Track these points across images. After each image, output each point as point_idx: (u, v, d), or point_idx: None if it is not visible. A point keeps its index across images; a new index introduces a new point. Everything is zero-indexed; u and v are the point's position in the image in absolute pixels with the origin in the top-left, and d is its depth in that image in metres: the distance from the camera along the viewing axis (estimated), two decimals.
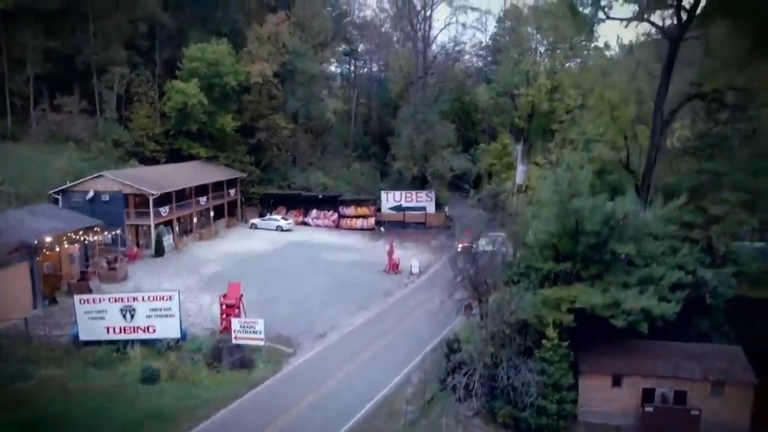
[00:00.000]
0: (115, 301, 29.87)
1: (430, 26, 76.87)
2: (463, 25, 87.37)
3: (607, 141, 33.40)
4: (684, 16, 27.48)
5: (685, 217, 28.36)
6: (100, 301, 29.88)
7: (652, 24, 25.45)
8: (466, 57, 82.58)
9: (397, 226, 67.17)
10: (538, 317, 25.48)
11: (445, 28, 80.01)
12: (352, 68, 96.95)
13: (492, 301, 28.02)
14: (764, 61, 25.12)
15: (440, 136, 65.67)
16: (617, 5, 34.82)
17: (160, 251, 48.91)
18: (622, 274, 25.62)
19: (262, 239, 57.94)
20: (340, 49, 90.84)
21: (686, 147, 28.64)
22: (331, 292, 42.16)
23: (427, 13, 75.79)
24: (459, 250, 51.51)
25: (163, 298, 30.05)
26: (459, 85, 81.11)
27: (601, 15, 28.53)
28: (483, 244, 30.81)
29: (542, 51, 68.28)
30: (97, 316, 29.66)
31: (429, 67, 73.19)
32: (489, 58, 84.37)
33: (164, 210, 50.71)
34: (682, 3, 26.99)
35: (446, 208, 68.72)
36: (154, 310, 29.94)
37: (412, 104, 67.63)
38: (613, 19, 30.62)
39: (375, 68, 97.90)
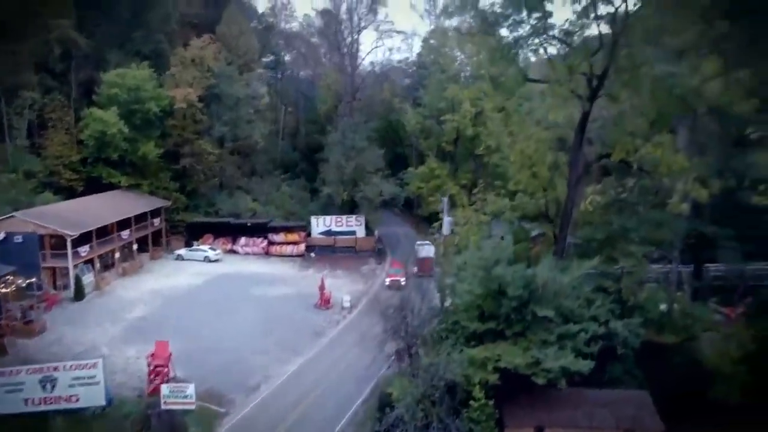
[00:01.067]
0: (34, 372, 28.59)
1: (357, 49, 77.57)
2: (390, 49, 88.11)
3: (527, 191, 35.09)
4: (595, 82, 29.37)
5: (598, 268, 30.47)
6: (17, 373, 28.50)
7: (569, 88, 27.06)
8: (394, 76, 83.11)
9: (328, 251, 67.51)
10: (466, 376, 26.63)
11: (372, 52, 78.13)
12: (280, 78, 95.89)
13: (422, 356, 29.01)
14: (664, 132, 27.44)
15: (369, 161, 66.44)
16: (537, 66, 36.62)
17: (80, 294, 46.85)
18: (543, 332, 27.18)
19: (189, 272, 56.60)
20: (267, 60, 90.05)
21: (597, 204, 30.69)
22: (263, 335, 41.92)
23: (354, 37, 76.47)
24: (387, 283, 52.79)
25: (86, 366, 29.05)
26: (387, 106, 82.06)
27: (520, 80, 30.03)
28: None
29: (467, 76, 70.39)
30: (14, 388, 28.28)
31: (357, 89, 73.77)
32: (416, 78, 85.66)
33: (84, 250, 48.65)
34: (593, 70, 28.83)
35: (376, 232, 69.64)
36: (77, 378, 28.89)
37: (340, 130, 68.04)
38: (532, 80, 32.31)
39: (303, 84, 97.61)
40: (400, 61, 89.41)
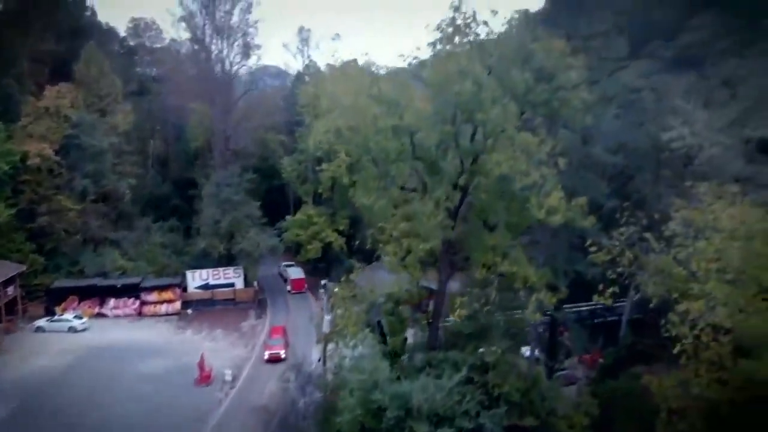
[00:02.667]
0: None
1: (231, 89, 75.98)
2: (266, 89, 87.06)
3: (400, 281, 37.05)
4: (458, 194, 31.78)
5: (468, 361, 33.16)
6: None
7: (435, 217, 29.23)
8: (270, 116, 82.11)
9: (206, 305, 65.97)
10: None
11: (245, 94, 77.02)
12: (147, 105, 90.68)
13: None
14: (519, 248, 30.63)
15: (246, 214, 65.74)
16: None
17: None
18: None
19: (49, 351, 52.19)
20: (132, 88, 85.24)
21: (463, 300, 33.42)
22: None
23: (228, 78, 74.81)
24: (266, 357, 52.32)
25: None
26: (265, 148, 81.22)
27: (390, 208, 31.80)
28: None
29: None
30: None
31: (229, 137, 72.50)
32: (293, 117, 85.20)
33: None
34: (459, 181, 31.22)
35: (255, 283, 69.09)
36: None
37: (214, 182, 66.57)
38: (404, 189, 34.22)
39: (172, 112, 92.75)
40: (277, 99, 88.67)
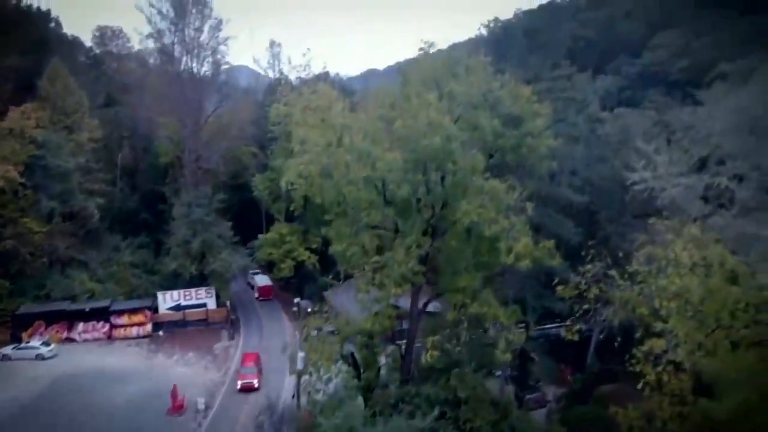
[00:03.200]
0: None
1: (201, 107, 75.21)
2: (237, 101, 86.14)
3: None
4: (428, 240, 32.31)
5: (441, 396, 33.77)
6: None
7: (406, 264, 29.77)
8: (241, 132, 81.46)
9: (178, 326, 65.40)
10: None
11: (215, 112, 76.32)
12: (114, 116, 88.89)
13: None
14: (489, 289, 31.36)
15: (217, 235, 65.33)
16: None
17: None
18: None
19: (16, 380, 51.26)
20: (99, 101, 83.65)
21: (435, 340, 34.02)
22: None
23: (198, 95, 74.00)
24: (239, 387, 51.84)
25: None
26: (235, 163, 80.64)
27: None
28: None
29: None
30: None
31: (199, 156, 71.87)
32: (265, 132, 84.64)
33: None
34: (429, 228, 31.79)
35: (227, 303, 68.68)
36: None
37: (185, 203, 65.95)
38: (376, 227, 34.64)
39: (142, 123, 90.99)
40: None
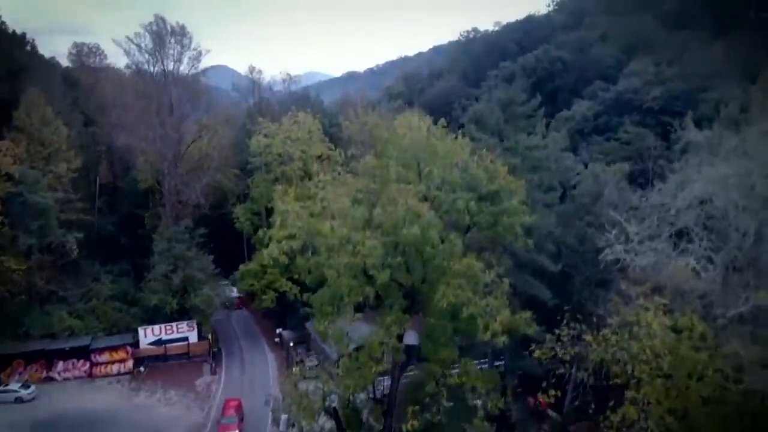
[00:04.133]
0: None
1: (180, 138, 74.95)
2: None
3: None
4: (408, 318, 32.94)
5: None
6: None
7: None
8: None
9: (159, 360, 65.41)
10: None
11: (196, 142, 76.12)
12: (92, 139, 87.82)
13: None
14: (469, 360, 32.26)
15: (199, 270, 65.41)
16: None
17: None
18: None
19: None
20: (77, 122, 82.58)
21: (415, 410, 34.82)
22: None
23: (177, 125, 73.81)
24: None
25: None
26: (216, 192, 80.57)
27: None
28: None
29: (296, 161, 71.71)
30: None
31: (179, 191, 71.75)
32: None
33: None
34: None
35: (209, 335, 68.80)
36: None
37: (165, 238, 65.87)
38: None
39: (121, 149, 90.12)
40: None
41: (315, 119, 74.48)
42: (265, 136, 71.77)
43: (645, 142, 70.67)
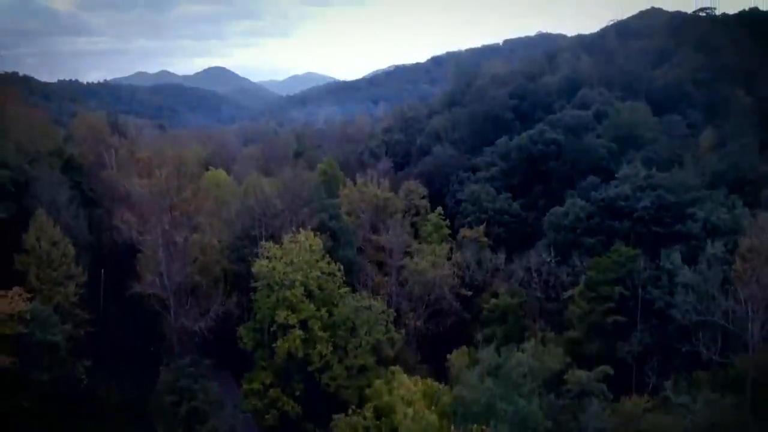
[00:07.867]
0: None
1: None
2: None
3: None
4: None
5: None
6: None
7: None
8: None
9: None
10: None
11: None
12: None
13: None
14: None
15: (204, 402, 67.63)
16: None
17: None
18: None
19: None
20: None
21: None
22: None
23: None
24: None
25: None
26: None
27: None
28: None
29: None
30: None
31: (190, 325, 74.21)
32: None
33: None
34: None
35: None
36: None
37: (172, 370, 68.08)
38: None
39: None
40: None
41: (315, 237, 76.93)
42: (267, 258, 74.05)
43: (634, 263, 72.73)
